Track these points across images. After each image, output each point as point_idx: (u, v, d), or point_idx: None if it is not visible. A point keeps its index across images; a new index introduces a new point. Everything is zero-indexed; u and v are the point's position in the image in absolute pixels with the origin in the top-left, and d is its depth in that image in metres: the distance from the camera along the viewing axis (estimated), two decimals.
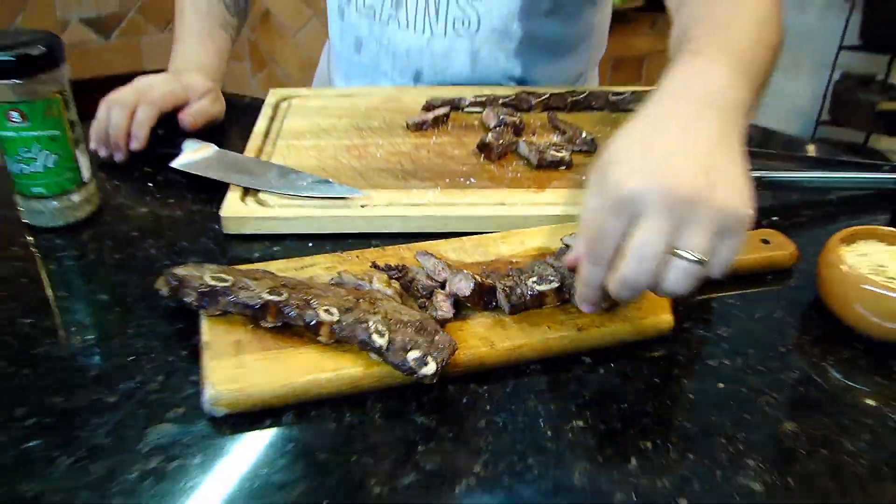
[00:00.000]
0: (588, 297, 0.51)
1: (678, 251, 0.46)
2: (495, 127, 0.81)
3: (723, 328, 0.59)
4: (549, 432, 0.48)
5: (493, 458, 0.46)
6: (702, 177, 0.46)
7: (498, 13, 0.93)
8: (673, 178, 0.45)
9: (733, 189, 0.47)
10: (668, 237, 0.46)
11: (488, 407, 0.50)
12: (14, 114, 0.65)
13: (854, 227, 0.64)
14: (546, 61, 0.98)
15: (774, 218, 0.75)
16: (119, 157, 0.83)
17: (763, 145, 0.96)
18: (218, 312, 0.55)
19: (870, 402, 0.52)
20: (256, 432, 0.48)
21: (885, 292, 0.56)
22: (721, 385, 0.53)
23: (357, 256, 0.62)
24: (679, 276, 0.46)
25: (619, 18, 1.02)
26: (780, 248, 0.67)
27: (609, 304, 0.55)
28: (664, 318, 0.57)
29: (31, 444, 0.46)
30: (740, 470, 0.46)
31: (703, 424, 0.49)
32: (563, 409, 0.50)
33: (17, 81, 0.64)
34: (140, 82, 0.85)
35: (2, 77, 0.63)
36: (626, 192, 0.46)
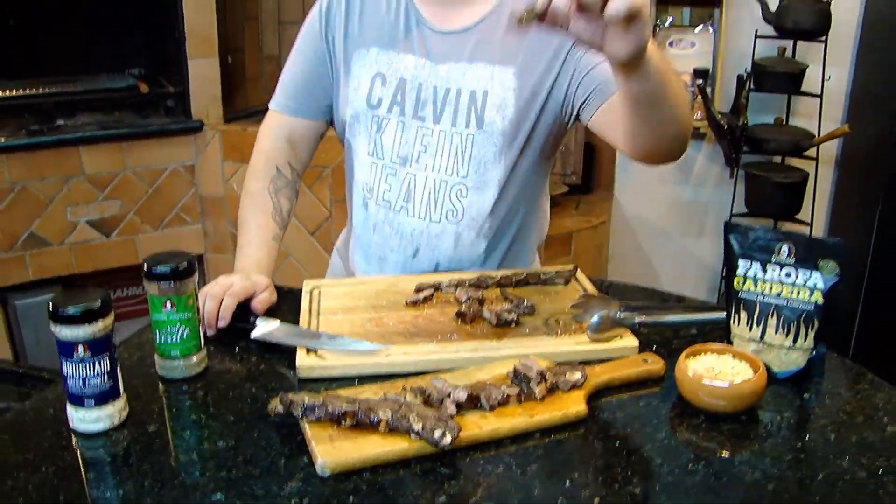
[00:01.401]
0: None
1: None
2: (465, 301, 1.22)
3: (619, 413, 0.98)
4: (518, 471, 0.86)
5: (487, 490, 0.83)
6: None
7: (477, 208, 1.36)
8: None
9: None
10: None
11: (482, 462, 0.88)
12: (168, 304, 1.03)
13: (695, 346, 1.05)
14: (504, 244, 1.41)
15: (653, 346, 1.15)
16: (210, 332, 1.20)
17: (661, 300, 1.38)
18: (314, 419, 0.92)
19: (707, 444, 0.91)
20: (349, 483, 0.84)
21: (712, 384, 0.96)
22: (618, 442, 0.91)
23: (390, 384, 1.00)
24: None
25: (550, 203, 1.49)
26: (655, 363, 1.07)
27: None
28: (581, 408, 0.96)
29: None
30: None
31: (606, 466, 0.87)
32: (524, 460, 0.88)
33: (172, 284, 1.03)
34: (224, 280, 1.24)
35: (163, 280, 1.02)
36: None
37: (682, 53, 3.11)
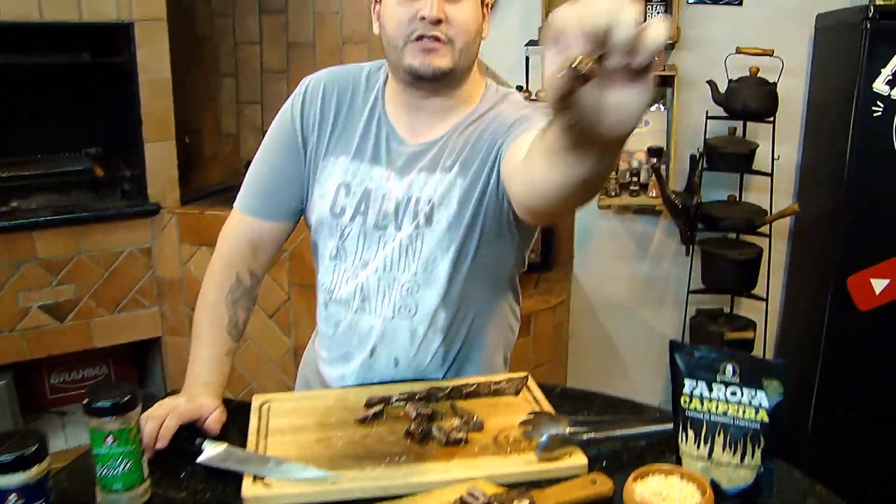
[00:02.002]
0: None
1: None
2: (415, 417, 1.21)
3: None
4: None
5: None
6: None
7: (429, 302, 1.36)
8: None
9: None
10: None
11: None
12: (109, 438, 1.01)
13: (642, 468, 1.04)
14: (461, 339, 1.41)
15: (603, 461, 1.14)
16: (149, 454, 1.17)
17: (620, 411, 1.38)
18: None
19: None
20: None
21: None
22: None
23: None
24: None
25: None
26: (603, 485, 1.07)
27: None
28: None
29: None
30: None
31: None
32: None
33: (114, 418, 1.01)
34: (168, 402, 1.22)
35: (104, 415, 1.00)
36: None
37: (637, 132, 3.15)
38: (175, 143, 3.05)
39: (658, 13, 3.01)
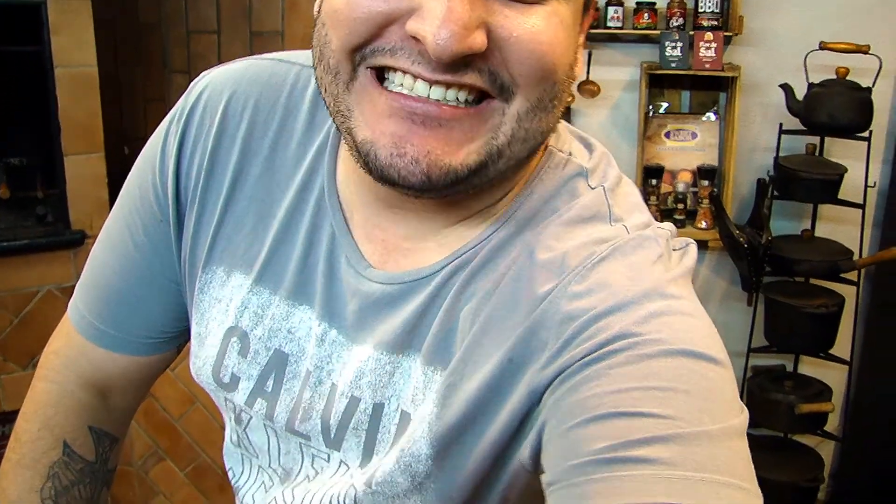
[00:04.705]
0: None
1: None
2: None
3: None
4: None
5: None
6: None
7: None
8: None
9: None
10: None
11: None
12: None
13: None
14: None
15: None
16: None
17: None
18: None
19: None
20: None
21: None
22: None
23: None
24: None
25: None
26: None
27: None
28: None
29: None
30: None
31: None
32: None
33: None
34: None
35: None
36: None
37: (682, 146, 2.57)
38: (104, 154, 2.48)
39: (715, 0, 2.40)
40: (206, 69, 0.76)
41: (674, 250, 0.61)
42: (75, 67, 2.35)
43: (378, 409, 0.65)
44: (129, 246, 0.77)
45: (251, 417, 0.72)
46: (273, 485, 0.74)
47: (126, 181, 0.78)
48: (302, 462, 0.71)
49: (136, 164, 0.77)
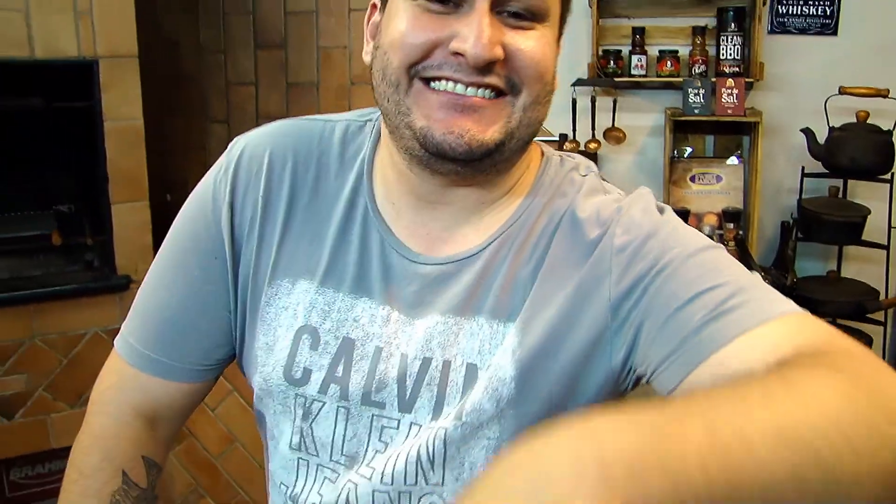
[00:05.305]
0: None
1: None
2: None
3: None
4: None
5: None
6: None
7: None
8: None
9: None
10: None
11: None
12: None
13: None
14: None
15: None
16: None
17: None
18: None
19: None
20: None
21: None
22: None
23: None
24: None
25: None
26: None
27: None
28: None
29: None
30: None
31: None
32: None
33: None
34: None
35: None
36: None
37: (707, 190, 2.62)
38: (149, 203, 2.58)
39: (735, 45, 2.47)
40: (244, 119, 0.89)
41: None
42: (123, 121, 2.47)
43: (447, 365, 0.80)
44: (183, 282, 0.88)
45: (323, 405, 0.82)
46: (339, 475, 0.82)
47: (172, 229, 0.91)
48: (368, 441, 0.81)
49: (182, 213, 0.90)
